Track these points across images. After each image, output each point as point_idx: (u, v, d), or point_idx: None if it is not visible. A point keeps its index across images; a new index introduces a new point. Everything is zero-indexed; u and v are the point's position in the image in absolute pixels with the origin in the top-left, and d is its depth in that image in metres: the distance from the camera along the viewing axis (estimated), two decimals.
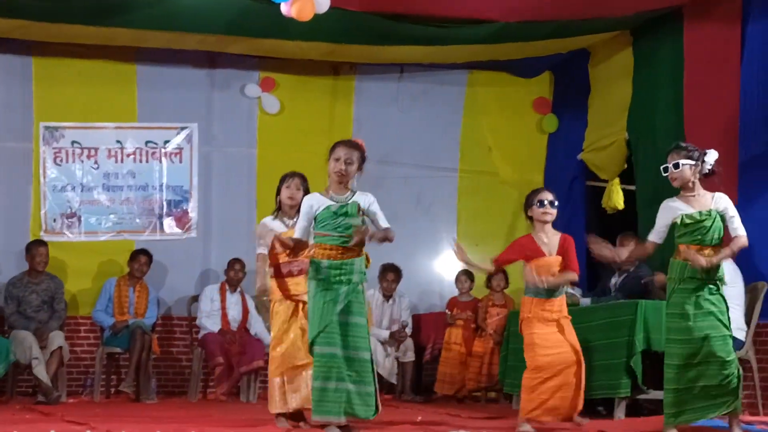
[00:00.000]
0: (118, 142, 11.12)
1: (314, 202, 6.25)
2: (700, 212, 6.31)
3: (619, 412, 7.72)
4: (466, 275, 10.89)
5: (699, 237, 6.31)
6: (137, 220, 11.11)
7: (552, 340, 6.90)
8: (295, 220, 6.79)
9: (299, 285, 6.85)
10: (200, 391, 10.72)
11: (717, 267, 6.28)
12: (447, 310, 10.85)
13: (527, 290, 7.05)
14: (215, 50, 10.95)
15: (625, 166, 10.59)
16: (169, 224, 11.17)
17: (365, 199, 6.34)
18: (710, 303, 6.27)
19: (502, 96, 12.02)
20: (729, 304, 7.98)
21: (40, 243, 10.24)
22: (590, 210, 11.57)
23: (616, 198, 10.82)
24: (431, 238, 11.82)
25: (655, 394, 7.84)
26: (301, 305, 6.84)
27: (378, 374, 10.35)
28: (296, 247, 6.25)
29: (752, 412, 8.22)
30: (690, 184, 6.42)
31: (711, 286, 6.28)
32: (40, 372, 9.36)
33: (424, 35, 10.00)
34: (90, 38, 10.35)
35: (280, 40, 10.27)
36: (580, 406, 6.92)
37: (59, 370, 9.74)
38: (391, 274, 10.74)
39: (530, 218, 7.14)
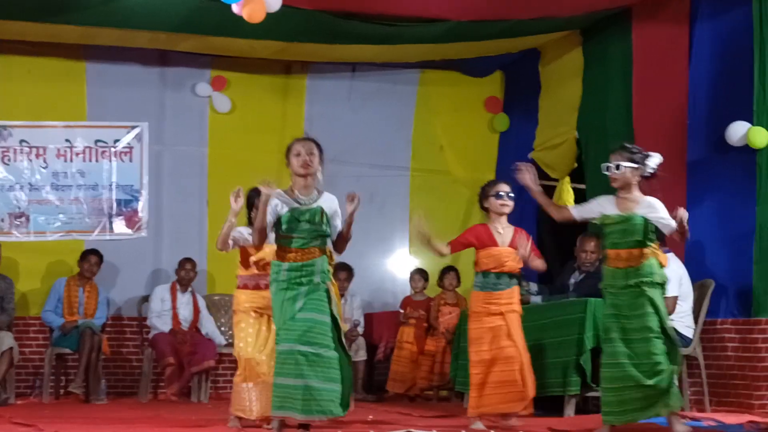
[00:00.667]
0: (67, 140, 11.02)
1: (278, 202, 6.22)
2: (619, 215, 6.36)
3: (569, 409, 7.77)
4: (420, 274, 10.92)
5: (615, 240, 6.36)
6: (87, 220, 11.02)
7: (495, 335, 6.90)
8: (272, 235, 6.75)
9: (266, 299, 6.81)
10: (151, 391, 10.66)
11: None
12: (400, 309, 10.87)
13: (475, 285, 7.07)
14: (166, 48, 10.88)
15: (576, 165, 10.66)
16: (119, 224, 11.09)
17: (330, 204, 6.31)
18: (642, 304, 6.31)
19: (454, 95, 12.06)
20: (679, 301, 8.14)
21: None
22: (541, 209, 11.58)
23: (566, 197, 10.88)
24: (384, 236, 11.84)
25: None
26: (270, 319, 6.86)
27: None
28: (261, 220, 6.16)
29: (699, 408, 8.32)
30: (628, 186, 6.46)
31: (644, 288, 6.32)
32: None
33: (375, 34, 10.00)
34: (38, 35, 10.24)
35: (232, 38, 10.22)
36: (528, 400, 6.91)
37: (8, 372, 9.64)
38: (343, 272, 10.74)
39: (486, 209, 7.15)
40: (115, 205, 11.09)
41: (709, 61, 8.90)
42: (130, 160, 11.15)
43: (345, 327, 10.63)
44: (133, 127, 11.17)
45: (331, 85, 11.87)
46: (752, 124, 8.22)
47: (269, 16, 8.32)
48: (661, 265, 6.44)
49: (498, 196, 7.06)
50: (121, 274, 11.00)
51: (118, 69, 11.16)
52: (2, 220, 10.79)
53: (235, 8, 8.23)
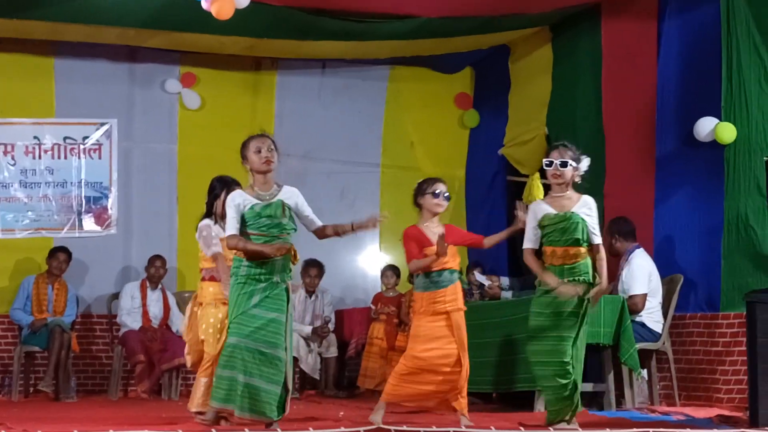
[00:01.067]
0: (35, 137, 10.95)
1: (240, 201, 6.20)
2: (557, 214, 6.38)
3: (539, 404, 7.79)
4: (392, 270, 10.92)
5: (555, 238, 6.39)
6: (55, 217, 10.96)
7: (437, 335, 6.87)
8: None
9: None
10: (121, 389, 10.60)
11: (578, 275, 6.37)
12: (371, 305, 10.87)
13: (417, 286, 7.02)
14: (135, 44, 10.83)
15: None
16: (89, 221, 11.03)
17: (290, 195, 6.30)
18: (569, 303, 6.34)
19: (424, 91, 12.07)
20: (648, 297, 8.19)
21: None
22: (511, 205, 11.63)
23: (536, 192, 10.85)
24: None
25: None
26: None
27: (301, 370, 10.47)
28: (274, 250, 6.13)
29: (669, 402, 8.37)
30: (566, 185, 6.48)
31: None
32: None
33: (344, 30, 10.00)
34: (6, 31, 10.18)
35: (201, 35, 10.19)
36: (463, 404, 6.89)
37: None
38: (313, 269, 10.73)
39: (419, 206, 7.08)
40: (84, 202, 11.03)
41: (677, 56, 8.96)
42: (99, 157, 11.09)
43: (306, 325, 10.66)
44: (102, 124, 11.11)
45: (301, 81, 11.86)
46: (720, 119, 8.27)
47: (238, 12, 8.30)
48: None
49: (435, 195, 7.00)
50: (91, 271, 10.94)
51: (87, 65, 11.11)
52: None
53: (204, 4, 8.22)
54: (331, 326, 10.83)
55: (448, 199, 6.99)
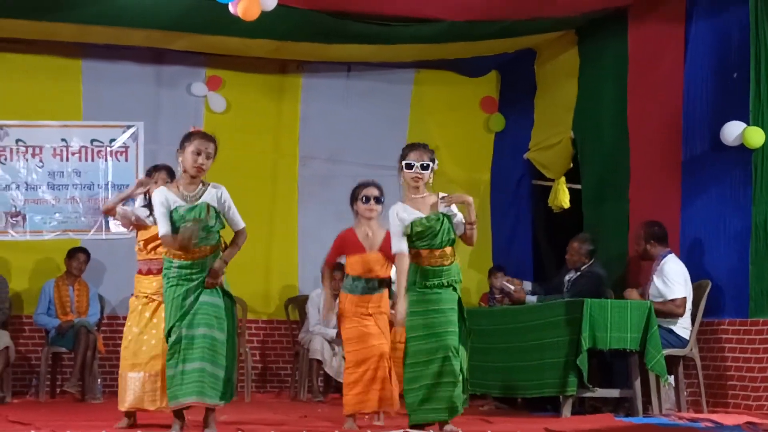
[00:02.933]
0: (63, 140, 10.99)
1: (164, 199, 6.18)
2: (428, 217, 6.32)
3: (566, 410, 7.76)
4: None
5: (428, 241, 6.32)
6: (83, 219, 10.99)
7: (365, 333, 6.90)
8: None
9: (159, 283, 6.93)
10: None
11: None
12: (392, 310, 10.82)
13: (344, 287, 7.06)
14: (161, 47, 10.87)
15: (571, 165, 10.66)
16: (115, 223, 11.05)
17: (215, 195, 6.26)
18: (445, 300, 6.29)
19: (449, 95, 12.05)
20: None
21: None
22: (536, 209, 11.64)
23: (562, 197, 10.89)
24: None
25: (601, 392, 7.92)
26: (158, 305, 7.00)
27: (325, 373, 10.47)
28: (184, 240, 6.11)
29: (696, 409, 8.32)
30: (424, 187, 6.41)
31: (447, 287, 6.32)
32: None
33: (370, 33, 10.00)
34: (34, 33, 10.24)
35: (227, 37, 10.21)
36: (394, 399, 6.92)
37: (5, 371, 9.63)
38: (338, 272, 10.69)
39: (354, 212, 7.12)
40: None
41: (704, 60, 8.91)
42: (126, 160, 11.11)
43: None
44: (129, 127, 11.13)
45: (326, 84, 11.86)
46: (748, 123, 8.22)
47: (264, 15, 8.32)
48: None
49: (366, 201, 7.00)
50: (117, 273, 10.93)
51: (113, 68, 11.16)
52: None
53: (231, 7, 8.23)
54: None
55: (379, 201, 6.99)
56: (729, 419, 7.20)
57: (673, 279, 8.26)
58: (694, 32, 9.03)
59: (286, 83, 11.78)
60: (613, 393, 8.01)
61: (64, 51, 10.88)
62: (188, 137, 6.24)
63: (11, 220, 10.79)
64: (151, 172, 7.37)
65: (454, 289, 6.35)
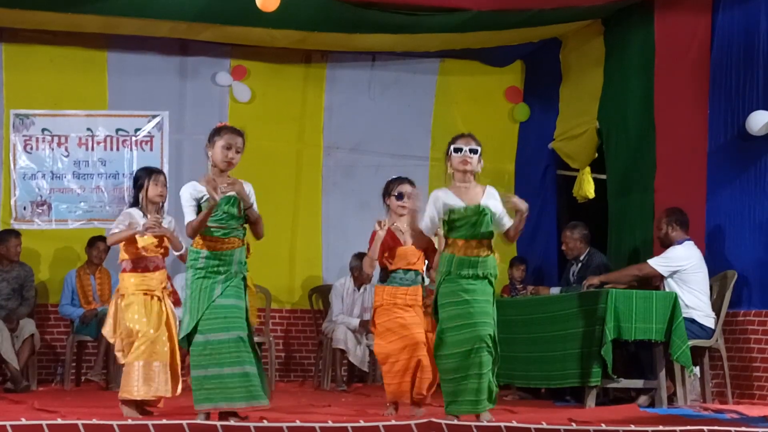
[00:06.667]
0: (88, 129, 11.07)
1: (195, 192, 6.21)
2: (467, 207, 6.22)
3: (590, 400, 7.74)
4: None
5: (464, 232, 6.24)
6: (107, 208, 11.05)
7: (402, 323, 6.89)
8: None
9: (153, 280, 7.03)
10: None
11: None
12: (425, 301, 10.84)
13: (380, 279, 7.05)
14: (186, 38, 10.90)
15: (596, 155, 10.62)
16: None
17: (247, 191, 6.26)
18: (479, 291, 6.21)
19: (474, 85, 12.02)
20: (691, 291, 8.10)
21: (14, 233, 10.18)
22: (561, 199, 11.61)
23: (587, 187, 10.84)
24: None
25: (625, 383, 7.90)
26: (159, 300, 7.04)
27: (349, 362, 10.49)
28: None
29: (722, 401, 8.29)
30: (470, 175, 6.34)
31: (482, 279, 6.24)
32: (12, 359, 9.36)
33: (394, 23, 9.98)
34: (60, 25, 10.28)
35: (252, 28, 10.22)
36: (425, 390, 6.90)
37: (30, 359, 9.70)
38: (358, 264, 10.73)
39: (387, 206, 7.10)
40: None
41: (730, 50, 8.86)
42: (151, 149, 11.18)
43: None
44: (154, 116, 11.19)
45: (350, 74, 11.86)
46: None
47: (288, 5, 8.33)
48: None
49: (399, 197, 6.97)
50: None
51: (139, 58, 11.20)
52: (24, 209, 10.85)
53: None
54: None
55: (404, 198, 6.95)
56: (754, 410, 7.18)
57: (667, 254, 8.26)
58: (720, 21, 8.98)
59: (310, 73, 11.78)
60: (638, 383, 7.98)
61: (89, 42, 10.92)
62: (218, 132, 6.24)
63: (37, 209, 10.87)
64: (151, 175, 7.25)
65: (490, 283, 6.26)
